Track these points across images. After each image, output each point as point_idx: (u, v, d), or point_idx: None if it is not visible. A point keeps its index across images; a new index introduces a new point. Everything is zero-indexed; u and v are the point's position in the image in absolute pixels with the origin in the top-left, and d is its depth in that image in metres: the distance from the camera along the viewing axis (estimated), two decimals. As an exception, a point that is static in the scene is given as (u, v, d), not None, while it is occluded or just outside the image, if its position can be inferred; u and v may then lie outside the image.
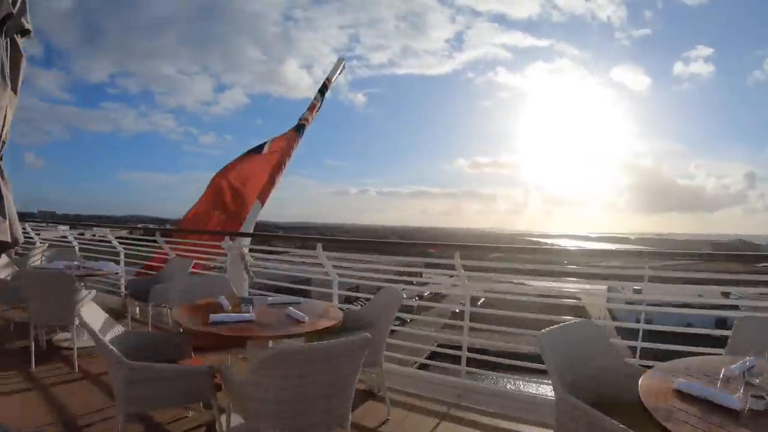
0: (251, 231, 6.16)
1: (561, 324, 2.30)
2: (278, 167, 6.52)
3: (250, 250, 5.12)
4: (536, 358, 2.34)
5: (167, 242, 6.17)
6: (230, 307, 2.86)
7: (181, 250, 5.98)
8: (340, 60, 7.29)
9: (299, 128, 6.74)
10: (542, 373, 2.39)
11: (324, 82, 7.09)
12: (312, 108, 6.83)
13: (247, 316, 2.66)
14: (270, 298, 3.24)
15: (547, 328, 2.19)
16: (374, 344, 2.79)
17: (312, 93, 7.21)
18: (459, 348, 3.82)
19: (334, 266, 4.53)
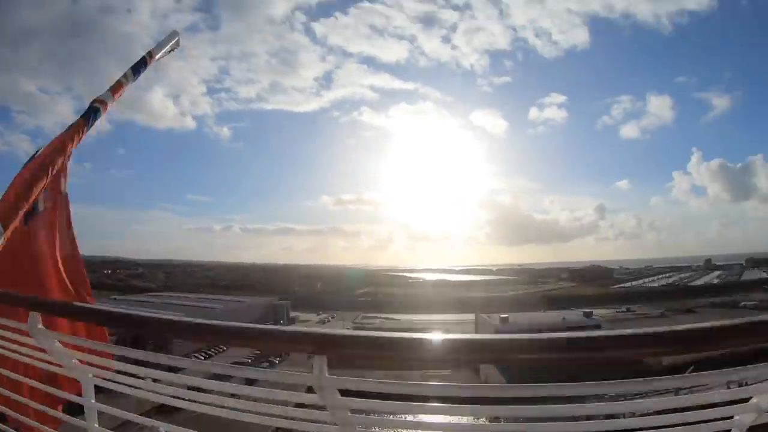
0: None
1: None
2: (40, 169, 3.51)
3: None
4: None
5: None
6: None
7: None
8: (175, 33, 4.48)
9: (90, 113, 3.90)
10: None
11: (143, 57, 4.22)
12: (116, 89, 4.04)
13: None
14: None
15: None
16: None
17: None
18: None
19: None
